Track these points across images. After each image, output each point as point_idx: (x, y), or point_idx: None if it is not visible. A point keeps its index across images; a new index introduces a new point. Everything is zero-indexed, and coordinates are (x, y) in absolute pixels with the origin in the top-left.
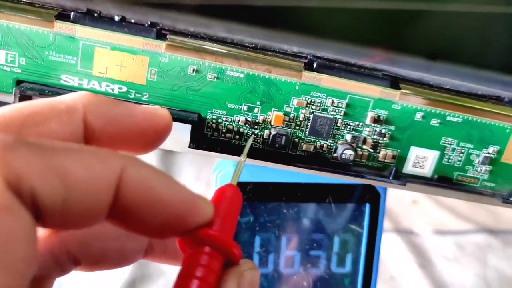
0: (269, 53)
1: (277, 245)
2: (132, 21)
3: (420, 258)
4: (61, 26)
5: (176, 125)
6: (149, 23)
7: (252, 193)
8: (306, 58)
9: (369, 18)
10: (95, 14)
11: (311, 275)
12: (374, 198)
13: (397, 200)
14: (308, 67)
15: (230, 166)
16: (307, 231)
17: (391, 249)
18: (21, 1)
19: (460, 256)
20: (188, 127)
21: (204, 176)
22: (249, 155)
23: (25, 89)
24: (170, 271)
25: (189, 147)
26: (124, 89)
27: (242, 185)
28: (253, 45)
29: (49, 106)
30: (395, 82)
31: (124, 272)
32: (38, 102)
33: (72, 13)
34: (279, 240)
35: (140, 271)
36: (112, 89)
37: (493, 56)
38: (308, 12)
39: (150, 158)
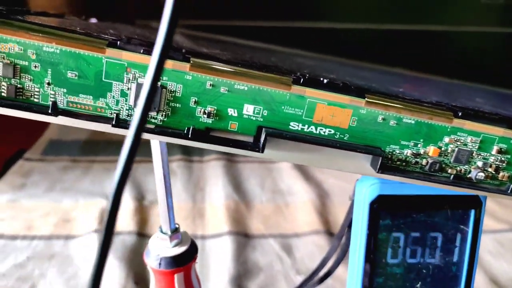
0: (424, 104)
1: (406, 241)
2: (335, 82)
3: None
4: (296, 89)
5: (361, 156)
6: (342, 83)
7: (390, 203)
8: (445, 106)
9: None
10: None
11: (430, 263)
12: (477, 204)
13: None
14: (455, 114)
15: (372, 184)
16: (428, 231)
17: None
18: (264, 69)
19: (503, 251)
20: (368, 157)
21: (267, 185)
22: (411, 177)
23: (270, 133)
24: (267, 267)
25: (377, 172)
26: (332, 131)
27: (384, 197)
28: (410, 98)
29: None
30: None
31: (228, 267)
32: None
33: (301, 79)
34: (407, 237)
35: (242, 267)
36: (324, 132)
37: None
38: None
39: (217, 169)
